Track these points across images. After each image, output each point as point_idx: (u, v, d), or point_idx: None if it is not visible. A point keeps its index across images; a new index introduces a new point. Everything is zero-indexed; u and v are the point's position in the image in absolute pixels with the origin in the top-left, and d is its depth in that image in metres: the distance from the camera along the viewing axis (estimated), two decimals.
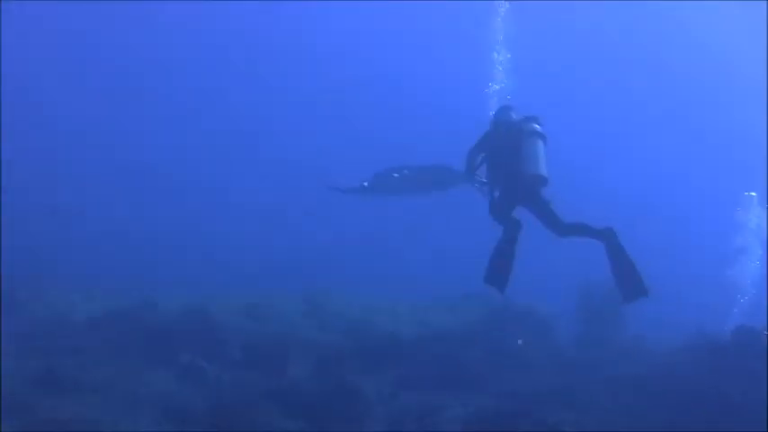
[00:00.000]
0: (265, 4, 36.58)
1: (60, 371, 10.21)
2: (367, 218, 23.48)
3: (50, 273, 16.38)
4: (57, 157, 28.02)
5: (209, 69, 36.82)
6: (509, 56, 10.25)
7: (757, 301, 16.42)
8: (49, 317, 13.53)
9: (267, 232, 25.03)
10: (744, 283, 16.93)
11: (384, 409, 10.52)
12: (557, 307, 15.79)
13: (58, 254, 18.25)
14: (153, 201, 26.97)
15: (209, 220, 26.20)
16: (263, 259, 21.11)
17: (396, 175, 12.70)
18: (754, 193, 17.48)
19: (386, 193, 13.18)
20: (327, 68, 38.32)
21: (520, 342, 13.36)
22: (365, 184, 12.99)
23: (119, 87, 33.74)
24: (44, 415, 8.69)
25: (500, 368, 12.42)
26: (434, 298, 16.93)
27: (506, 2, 11.13)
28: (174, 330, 12.30)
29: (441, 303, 16.67)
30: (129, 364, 10.96)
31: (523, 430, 9.13)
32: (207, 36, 36.43)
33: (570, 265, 16.56)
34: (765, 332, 11.99)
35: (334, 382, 10.58)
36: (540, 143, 8.45)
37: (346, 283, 17.12)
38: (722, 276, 16.98)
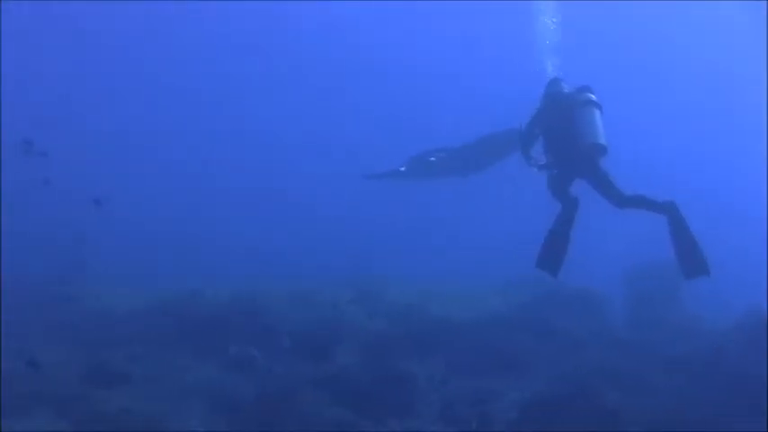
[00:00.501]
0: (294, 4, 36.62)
1: (110, 363, 10.22)
2: (412, 204, 23.32)
3: (96, 266, 16.47)
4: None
5: (217, 68, 36.94)
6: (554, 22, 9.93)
7: None
8: (97, 310, 13.54)
9: (313, 221, 24.97)
10: None
11: (436, 395, 10.36)
12: (607, 288, 15.43)
13: (103, 247, 18.30)
14: (193, 195, 27.06)
15: (254, 211, 26.22)
16: (309, 247, 21.03)
17: (432, 158, 12.43)
18: None
19: (422, 177, 12.90)
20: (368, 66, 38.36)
21: None
22: (402, 168, 12.74)
23: (120, 87, 33.82)
24: (94, 408, 8.68)
25: (552, 351, 12.14)
26: (483, 282, 16.66)
27: None
28: (222, 320, 12.22)
29: (490, 288, 16.40)
30: (178, 356, 10.94)
31: (580, 417, 8.88)
32: (207, 35, 36.34)
33: (621, 246, 16.23)
34: None
35: (383, 368, 10.44)
36: (597, 112, 8.12)
37: (394, 269, 16.94)
38: None
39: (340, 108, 37.25)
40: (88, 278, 15.49)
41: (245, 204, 26.80)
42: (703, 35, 36.24)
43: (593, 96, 8.20)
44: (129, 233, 20.72)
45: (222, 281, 15.06)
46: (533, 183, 8.65)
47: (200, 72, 36.54)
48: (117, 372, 10.07)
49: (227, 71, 37.54)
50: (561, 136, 8.16)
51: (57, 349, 10.65)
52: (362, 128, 34.74)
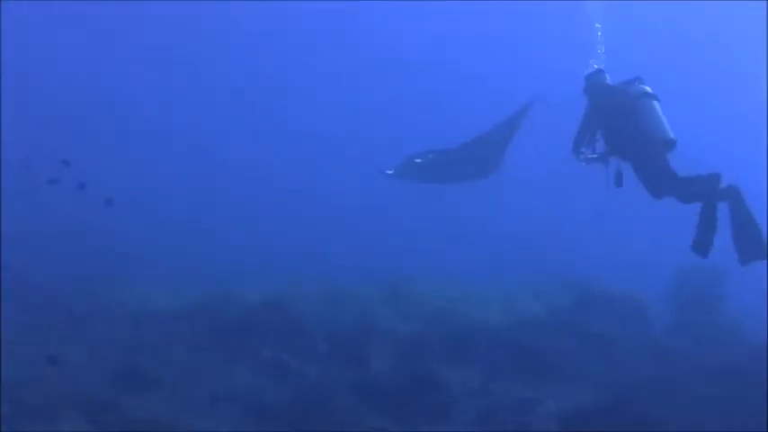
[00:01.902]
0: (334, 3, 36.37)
1: (141, 367, 10.06)
2: (438, 200, 23.04)
3: (128, 266, 16.39)
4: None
5: (232, 65, 36.70)
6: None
7: None
8: (128, 311, 13.41)
9: (343, 220, 24.70)
10: None
11: (472, 401, 10.09)
12: (650, 292, 15.05)
13: (134, 247, 18.24)
14: (214, 195, 26.87)
15: (284, 210, 26.00)
16: (342, 247, 20.80)
17: (418, 160, 11.87)
18: None
19: (428, 180, 12.38)
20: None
21: None
22: (389, 172, 11.89)
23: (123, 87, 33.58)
24: (123, 413, 8.53)
25: (593, 358, 11.81)
26: (519, 284, 16.32)
27: None
28: (254, 323, 12.03)
29: (527, 289, 16.06)
30: (210, 360, 10.75)
31: (623, 430, 8.57)
32: (213, 34, 36.02)
33: (663, 248, 15.83)
34: None
35: (419, 373, 10.20)
36: (657, 104, 7.92)
37: (428, 269, 16.67)
38: None
39: (361, 105, 36.90)
40: (117, 278, 15.36)
41: (270, 205, 26.53)
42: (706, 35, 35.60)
43: (648, 88, 8.05)
44: (154, 233, 20.57)
45: (252, 281, 14.88)
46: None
47: (210, 70, 36.14)
48: (147, 376, 9.88)
49: (246, 67, 37.19)
50: (625, 130, 7.97)
51: (84, 351, 10.53)
52: (385, 126, 34.31)
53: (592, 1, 9.77)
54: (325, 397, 9.38)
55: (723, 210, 7.63)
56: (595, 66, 8.82)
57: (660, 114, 7.80)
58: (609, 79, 8.46)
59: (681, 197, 7.90)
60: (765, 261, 7.65)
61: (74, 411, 8.50)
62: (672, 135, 7.85)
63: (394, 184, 12.74)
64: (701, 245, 7.82)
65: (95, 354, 10.56)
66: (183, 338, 11.57)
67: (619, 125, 7.99)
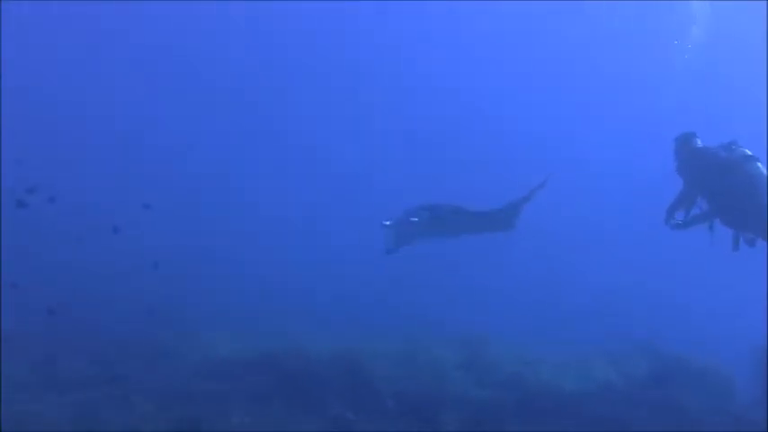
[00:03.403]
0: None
1: (203, 420, 10.03)
2: (518, 259, 22.67)
3: (194, 312, 16.48)
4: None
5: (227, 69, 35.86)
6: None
7: None
8: (193, 359, 13.48)
9: (419, 272, 24.30)
10: None
11: None
12: (731, 364, 14.49)
13: (198, 292, 18.25)
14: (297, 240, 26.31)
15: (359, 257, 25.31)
16: (414, 301, 20.50)
17: (414, 218, 11.25)
18: None
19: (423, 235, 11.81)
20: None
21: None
22: (387, 222, 11.41)
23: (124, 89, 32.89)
24: None
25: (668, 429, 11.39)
26: (596, 349, 15.90)
27: None
28: (321, 378, 11.94)
29: (603, 355, 15.62)
30: (274, 414, 10.67)
31: None
32: (208, 35, 34.89)
33: (751, 319, 15.28)
34: None
35: None
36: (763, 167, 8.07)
37: (503, 328, 16.38)
38: None
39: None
40: (181, 324, 15.44)
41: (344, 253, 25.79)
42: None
43: (749, 152, 8.11)
44: (220, 274, 20.52)
45: (322, 334, 14.83)
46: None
47: (216, 71, 35.44)
48: (208, 428, 9.86)
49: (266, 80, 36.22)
50: (737, 196, 7.89)
51: (150, 403, 10.58)
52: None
53: None
54: None
55: None
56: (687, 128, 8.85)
57: None
58: (700, 143, 8.49)
59: None
60: None
61: None
62: None
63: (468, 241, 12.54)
64: None
65: (159, 403, 10.60)
66: (247, 390, 11.50)
67: (729, 191, 7.99)
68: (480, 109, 35.36)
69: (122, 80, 32.98)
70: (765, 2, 31.79)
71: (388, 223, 11.23)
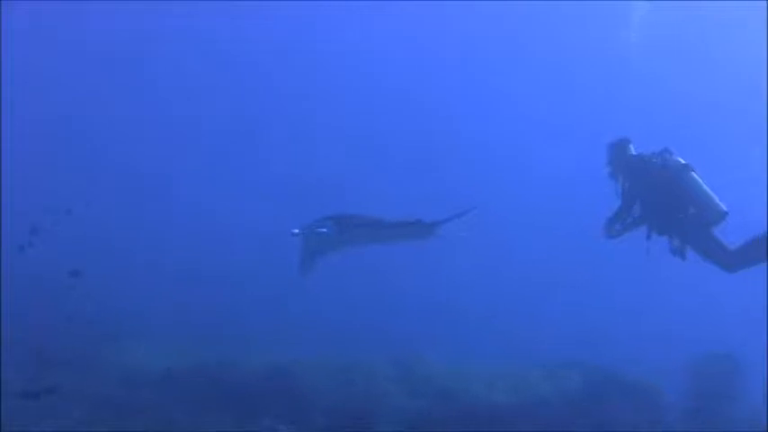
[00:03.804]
0: None
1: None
2: (458, 276, 22.59)
3: (122, 321, 15.99)
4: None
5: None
6: None
7: None
8: (122, 371, 13.03)
9: (352, 288, 23.77)
10: None
11: None
12: (666, 378, 14.68)
13: (129, 301, 17.71)
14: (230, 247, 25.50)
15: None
16: (351, 316, 20.25)
17: (323, 229, 11.16)
18: None
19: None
20: None
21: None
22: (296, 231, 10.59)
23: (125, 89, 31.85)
24: None
25: None
26: (530, 364, 15.94)
27: None
28: (253, 390, 11.80)
29: (538, 370, 15.68)
30: (205, 426, 10.46)
31: None
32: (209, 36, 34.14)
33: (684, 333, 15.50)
34: None
35: None
36: (698, 176, 8.31)
37: (439, 343, 16.30)
38: None
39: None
40: (109, 335, 15.04)
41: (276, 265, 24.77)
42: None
43: (682, 160, 8.42)
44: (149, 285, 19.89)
45: (254, 346, 14.60)
46: None
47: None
48: None
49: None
50: (670, 204, 8.25)
51: (76, 417, 10.27)
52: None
53: None
54: None
55: None
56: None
57: (707, 188, 8.10)
58: (633, 149, 8.69)
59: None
60: None
61: None
62: (724, 207, 8.18)
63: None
64: None
65: (87, 418, 10.29)
66: (178, 402, 11.26)
67: (665, 200, 8.20)
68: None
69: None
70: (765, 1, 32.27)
71: (296, 231, 10.55)
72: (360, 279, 19.76)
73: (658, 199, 8.26)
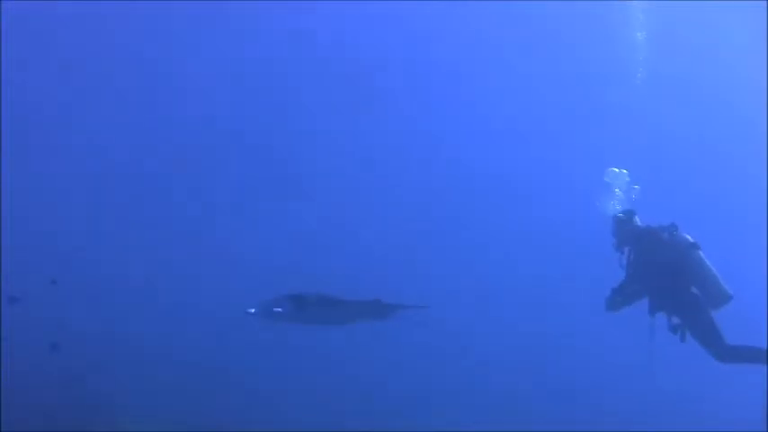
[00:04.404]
0: None
1: None
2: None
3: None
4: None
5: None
6: None
7: None
8: None
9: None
10: None
11: None
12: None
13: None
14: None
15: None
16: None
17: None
18: None
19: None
20: None
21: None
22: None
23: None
24: None
25: None
26: None
27: None
28: None
29: None
30: None
31: None
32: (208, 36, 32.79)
33: None
34: None
35: None
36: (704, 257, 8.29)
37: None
38: None
39: None
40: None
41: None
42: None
43: (690, 237, 8.36)
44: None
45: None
46: None
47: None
48: None
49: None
50: (675, 282, 8.21)
51: None
52: None
53: None
54: None
55: None
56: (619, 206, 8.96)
57: (714, 269, 8.03)
58: (639, 221, 8.59)
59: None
60: None
61: None
62: (730, 292, 8.15)
63: None
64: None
65: None
66: None
67: (669, 277, 8.12)
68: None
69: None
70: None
71: (251, 311, 10.21)
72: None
73: (663, 274, 8.23)
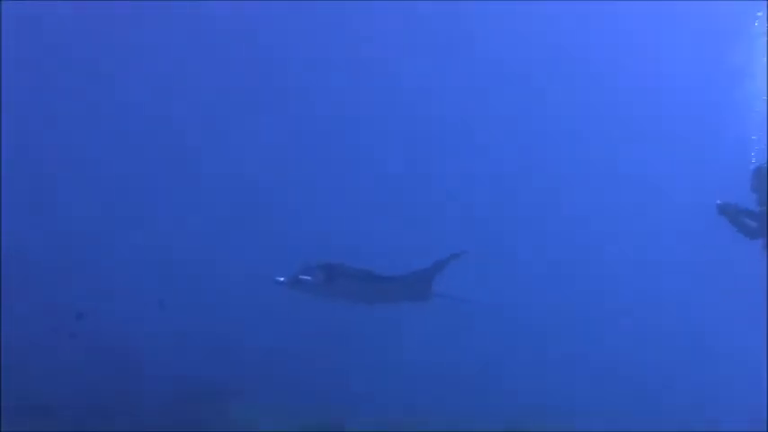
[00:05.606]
0: None
1: None
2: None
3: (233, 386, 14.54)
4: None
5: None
6: None
7: None
8: None
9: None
10: None
11: None
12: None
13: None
14: None
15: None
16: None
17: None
18: None
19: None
20: None
21: None
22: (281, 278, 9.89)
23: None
24: None
25: None
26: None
27: None
28: None
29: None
30: None
31: None
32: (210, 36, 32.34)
33: None
34: None
35: None
36: None
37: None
38: None
39: None
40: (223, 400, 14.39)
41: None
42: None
43: None
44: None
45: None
46: None
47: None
48: None
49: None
50: None
51: None
52: None
53: None
54: None
55: None
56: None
57: None
58: None
59: None
60: None
61: None
62: None
63: None
64: None
65: None
66: None
67: None
68: None
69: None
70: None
71: (281, 279, 9.87)
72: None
73: None
